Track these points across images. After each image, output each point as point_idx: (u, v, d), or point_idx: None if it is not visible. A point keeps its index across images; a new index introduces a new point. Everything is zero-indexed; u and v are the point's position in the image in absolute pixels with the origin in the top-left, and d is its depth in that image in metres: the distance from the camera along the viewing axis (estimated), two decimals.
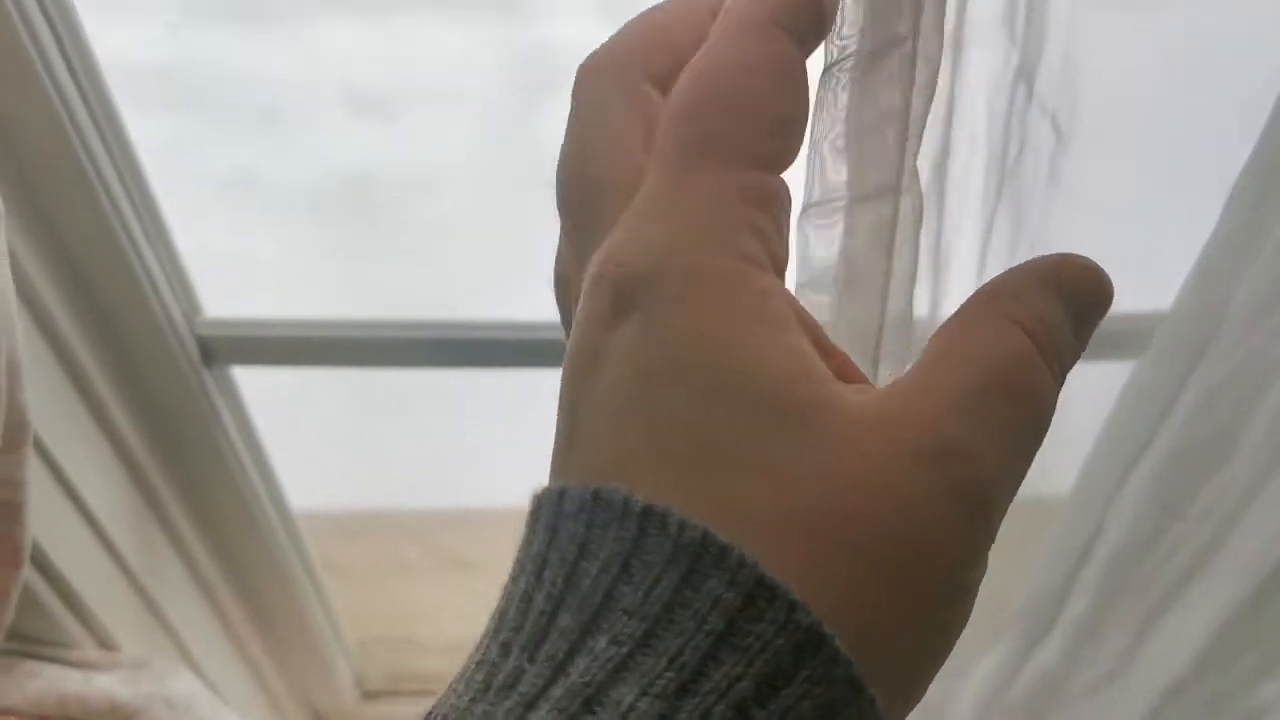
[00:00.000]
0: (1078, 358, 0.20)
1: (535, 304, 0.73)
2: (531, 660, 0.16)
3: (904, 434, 0.17)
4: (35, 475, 0.48)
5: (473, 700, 0.16)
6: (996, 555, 0.19)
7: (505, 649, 0.17)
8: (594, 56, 0.23)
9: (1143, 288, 0.52)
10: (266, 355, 0.66)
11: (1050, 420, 0.19)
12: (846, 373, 0.19)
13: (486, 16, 0.65)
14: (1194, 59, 0.49)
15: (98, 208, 0.53)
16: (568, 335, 0.20)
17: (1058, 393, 0.19)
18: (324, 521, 0.91)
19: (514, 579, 0.18)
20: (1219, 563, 0.56)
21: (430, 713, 0.17)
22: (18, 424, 0.46)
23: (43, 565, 0.55)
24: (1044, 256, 0.20)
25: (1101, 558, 0.58)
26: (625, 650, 0.16)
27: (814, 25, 0.21)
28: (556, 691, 0.16)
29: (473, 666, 0.17)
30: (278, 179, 0.72)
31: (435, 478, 0.92)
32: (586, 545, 0.17)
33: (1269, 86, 0.44)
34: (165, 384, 0.63)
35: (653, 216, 0.19)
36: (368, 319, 0.66)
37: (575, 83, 0.22)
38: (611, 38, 0.23)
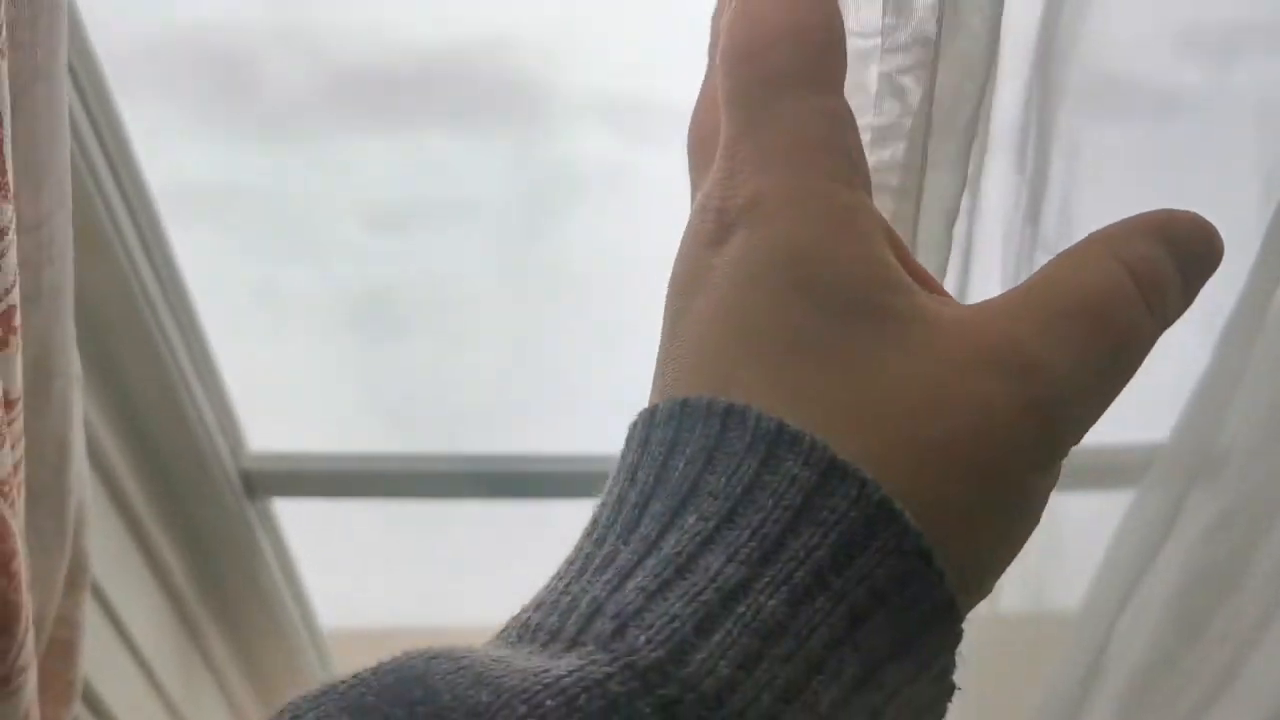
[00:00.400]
0: (1184, 307, 0.21)
1: (553, 428, 0.75)
2: (625, 543, 0.18)
3: (985, 343, 0.19)
4: (89, 614, 0.50)
5: (570, 583, 0.18)
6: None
7: (600, 541, 0.18)
8: None
9: (1141, 419, 0.54)
10: (306, 488, 0.69)
11: (1141, 356, 0.20)
12: (930, 288, 0.21)
13: (503, 131, 0.67)
14: (1185, 189, 0.52)
15: (159, 359, 0.57)
16: None
17: (1155, 335, 0.20)
18: (349, 638, 0.92)
19: (608, 490, 0.19)
20: (1240, 686, 0.57)
21: (525, 606, 0.18)
22: (79, 568, 0.48)
23: (92, 702, 0.57)
24: (1157, 209, 0.21)
25: (1120, 676, 0.59)
26: (712, 525, 0.17)
27: None
28: (650, 561, 0.17)
29: (565, 564, 0.19)
30: (300, 294, 0.74)
31: (457, 597, 0.93)
32: (675, 445, 0.18)
33: (1258, 223, 0.46)
34: (210, 518, 0.66)
35: (744, 153, 0.20)
36: (402, 453, 0.69)
37: None
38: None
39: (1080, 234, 0.52)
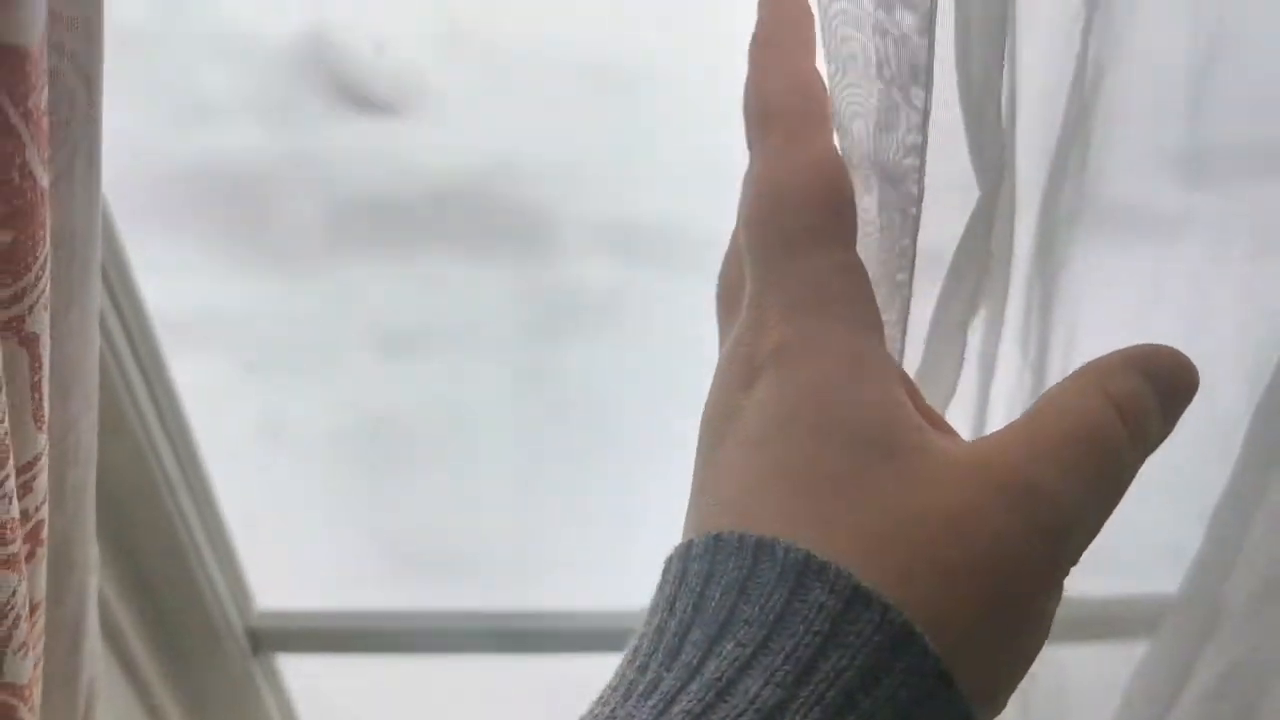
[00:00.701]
0: (1164, 435, 0.23)
1: (560, 575, 0.74)
2: (668, 670, 0.19)
3: (993, 474, 0.20)
4: None
5: (614, 709, 0.18)
6: None
7: (642, 669, 0.19)
8: None
9: (1150, 571, 0.54)
10: (312, 644, 0.70)
11: (1127, 480, 0.22)
12: (939, 427, 0.23)
13: (508, 258, 0.68)
14: (1186, 332, 0.52)
15: (172, 530, 0.58)
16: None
17: (1138, 462, 0.22)
18: None
19: (647, 621, 0.20)
20: None
21: None
22: None
23: None
24: (1139, 345, 0.23)
25: None
26: (749, 651, 0.18)
27: (822, 116, 0.25)
28: (693, 687, 0.18)
29: (608, 691, 0.19)
30: (308, 424, 0.73)
31: None
32: (710, 577, 0.20)
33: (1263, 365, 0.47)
34: (216, 677, 0.66)
35: (768, 304, 0.23)
36: (406, 610, 0.70)
37: None
38: None
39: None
